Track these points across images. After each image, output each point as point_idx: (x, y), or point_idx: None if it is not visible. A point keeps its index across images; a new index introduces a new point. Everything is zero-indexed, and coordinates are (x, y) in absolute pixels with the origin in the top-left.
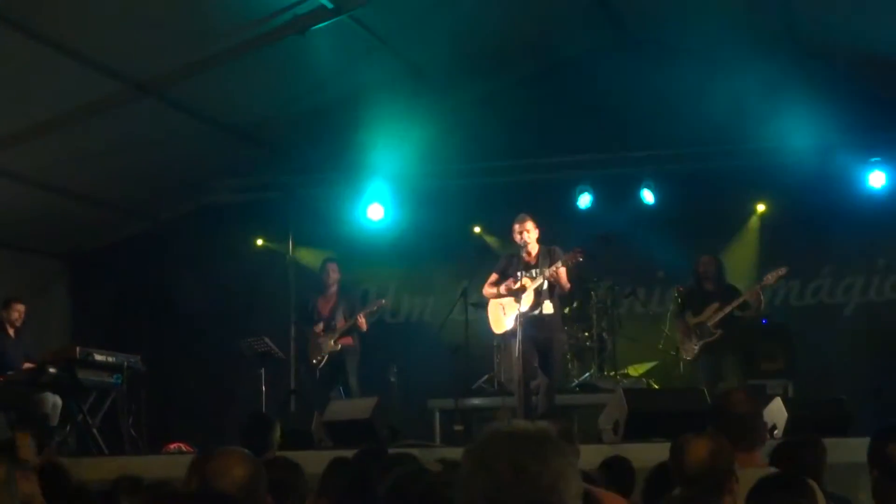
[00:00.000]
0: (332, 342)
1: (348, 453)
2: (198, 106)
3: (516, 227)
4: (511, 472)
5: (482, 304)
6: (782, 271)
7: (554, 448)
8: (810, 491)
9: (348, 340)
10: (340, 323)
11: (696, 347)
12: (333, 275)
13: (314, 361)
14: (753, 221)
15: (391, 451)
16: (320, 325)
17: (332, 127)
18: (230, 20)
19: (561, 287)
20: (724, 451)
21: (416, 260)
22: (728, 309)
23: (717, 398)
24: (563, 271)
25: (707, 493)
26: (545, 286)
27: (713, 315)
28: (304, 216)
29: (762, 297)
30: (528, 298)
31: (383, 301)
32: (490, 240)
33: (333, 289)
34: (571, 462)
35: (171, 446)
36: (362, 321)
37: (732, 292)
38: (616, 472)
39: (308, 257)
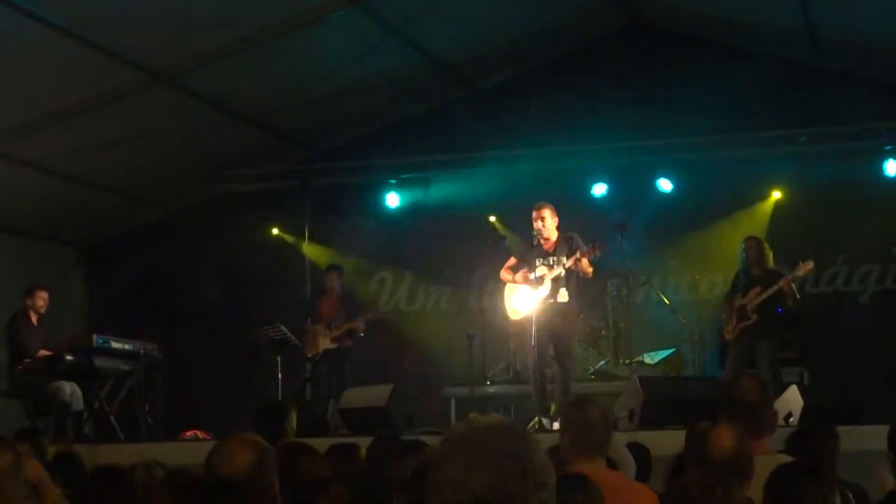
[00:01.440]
0: (328, 340)
1: (363, 441)
2: (213, 94)
3: (534, 213)
4: (461, 472)
5: (498, 293)
6: (810, 265)
7: (523, 442)
8: (830, 479)
9: (346, 341)
10: (342, 325)
11: (736, 330)
12: (331, 282)
13: (309, 356)
14: (766, 208)
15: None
16: (321, 325)
17: (347, 116)
18: (245, 8)
19: (584, 273)
20: (746, 438)
21: (432, 248)
22: (766, 294)
23: (726, 386)
24: (584, 261)
25: (731, 480)
26: (563, 275)
27: (754, 299)
28: (320, 205)
29: (794, 288)
30: (545, 288)
31: (372, 316)
32: (503, 230)
33: (335, 292)
34: (542, 459)
35: (188, 433)
36: (359, 325)
37: (775, 276)
38: (634, 460)
39: (314, 252)
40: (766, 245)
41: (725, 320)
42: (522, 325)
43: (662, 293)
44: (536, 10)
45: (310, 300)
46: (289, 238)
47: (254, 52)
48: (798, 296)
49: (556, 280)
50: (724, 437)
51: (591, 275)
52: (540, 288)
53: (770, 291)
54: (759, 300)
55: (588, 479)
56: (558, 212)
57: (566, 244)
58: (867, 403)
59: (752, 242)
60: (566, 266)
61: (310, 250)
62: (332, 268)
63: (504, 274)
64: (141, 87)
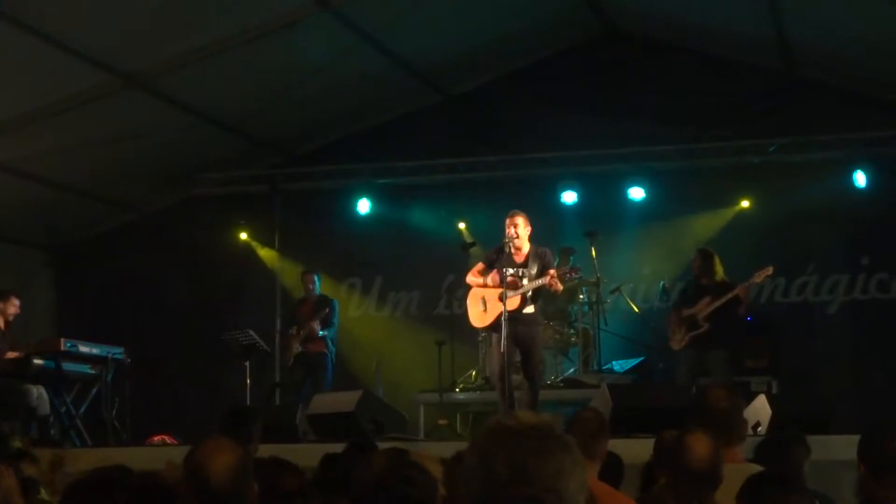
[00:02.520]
0: (297, 346)
1: (333, 447)
2: (185, 98)
3: (507, 220)
4: (508, 470)
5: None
6: (769, 270)
7: (554, 444)
8: (803, 487)
9: (318, 346)
10: (313, 329)
11: (684, 339)
12: (309, 285)
13: (285, 360)
14: (735, 217)
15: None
16: (295, 329)
17: (319, 121)
18: (218, 12)
19: (556, 291)
20: (718, 446)
21: (402, 254)
22: (718, 303)
23: (697, 394)
24: (558, 282)
25: (706, 488)
26: (530, 293)
27: (704, 308)
28: (291, 209)
29: (749, 295)
30: (513, 301)
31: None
32: (470, 237)
33: (312, 296)
34: (574, 459)
35: (156, 438)
36: (316, 326)
37: (725, 287)
38: (605, 467)
39: (271, 258)
40: (717, 257)
41: (672, 331)
42: (490, 333)
43: (632, 301)
44: (508, 17)
45: (292, 305)
46: (255, 245)
47: (226, 57)
48: (750, 303)
49: (525, 295)
50: (700, 446)
51: (560, 291)
52: (509, 302)
53: (723, 299)
54: (710, 309)
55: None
56: (532, 222)
57: (538, 260)
58: (835, 413)
59: (701, 254)
60: (542, 284)
61: (267, 255)
62: (306, 273)
63: (471, 277)
64: (113, 90)
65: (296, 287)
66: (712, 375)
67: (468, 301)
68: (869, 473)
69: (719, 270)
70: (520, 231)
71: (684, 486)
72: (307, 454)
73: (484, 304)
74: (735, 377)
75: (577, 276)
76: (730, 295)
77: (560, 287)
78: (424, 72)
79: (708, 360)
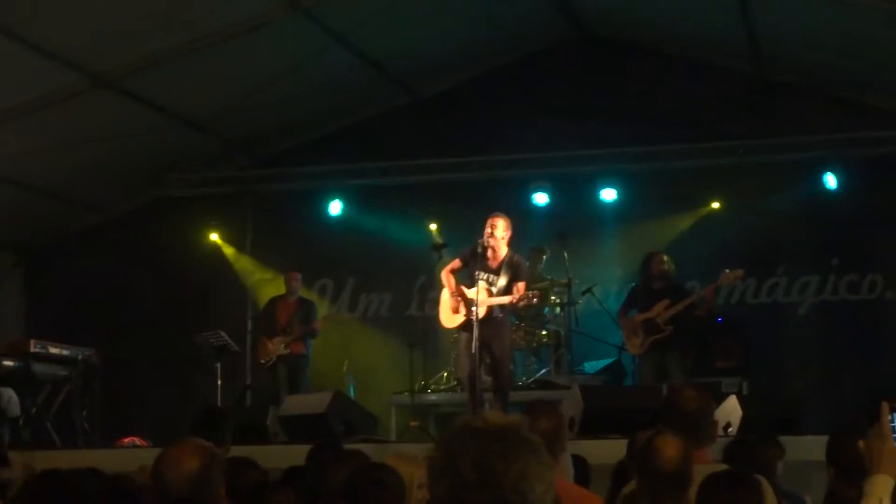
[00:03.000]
0: (282, 346)
1: (305, 448)
2: (155, 98)
3: (488, 221)
4: (474, 472)
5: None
6: (740, 272)
7: (520, 446)
8: (759, 487)
9: (300, 347)
10: (295, 329)
11: (645, 343)
12: (295, 283)
13: (262, 361)
14: (706, 219)
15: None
16: (273, 332)
17: (290, 122)
18: (189, 13)
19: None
20: (690, 447)
21: (374, 256)
22: (680, 306)
23: (668, 395)
24: (522, 299)
25: (677, 489)
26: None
27: (663, 312)
28: (262, 211)
29: (716, 296)
30: (482, 309)
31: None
32: (439, 238)
33: (295, 296)
34: (540, 459)
35: (126, 440)
36: (316, 326)
37: (683, 290)
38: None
39: (240, 262)
40: (670, 259)
41: (628, 335)
42: (460, 333)
43: (604, 302)
44: (480, 19)
45: (268, 304)
46: (225, 247)
47: (197, 57)
48: (715, 304)
49: (492, 305)
50: (670, 447)
51: (519, 307)
52: (477, 310)
53: (686, 302)
54: (671, 312)
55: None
56: (509, 226)
57: (511, 270)
58: (805, 413)
59: (660, 258)
60: (500, 302)
61: (233, 257)
62: (293, 270)
63: (445, 276)
64: (82, 89)
65: (264, 288)
66: (671, 377)
67: (440, 300)
68: (837, 475)
69: (672, 273)
70: (496, 233)
71: (655, 488)
72: (278, 455)
73: (454, 306)
74: (706, 378)
75: (535, 300)
76: (694, 297)
77: (524, 302)
78: (396, 73)
79: (667, 363)
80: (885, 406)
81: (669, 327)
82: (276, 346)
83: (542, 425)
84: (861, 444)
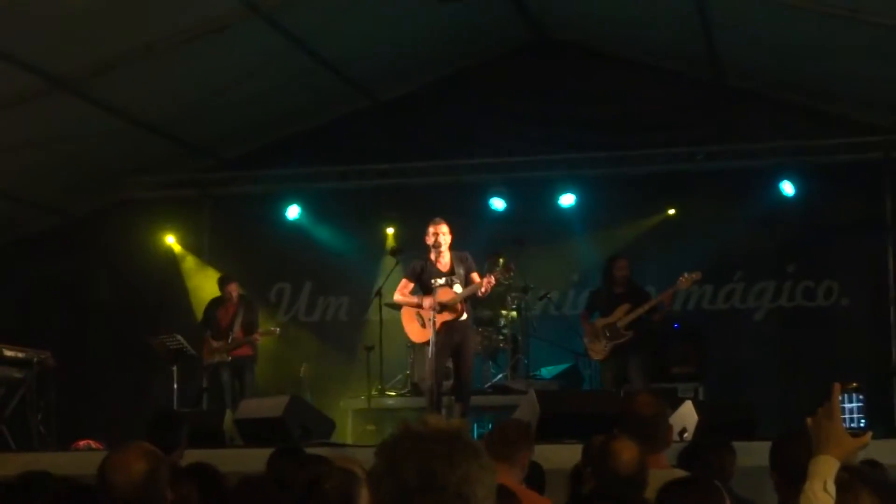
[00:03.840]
0: (225, 354)
1: (261, 452)
2: (114, 101)
3: (431, 229)
4: (417, 477)
5: (396, 306)
6: (697, 276)
7: (462, 450)
8: (718, 493)
9: (246, 350)
10: (238, 334)
11: (606, 348)
12: (233, 294)
13: (206, 364)
14: (664, 224)
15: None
16: (216, 335)
17: (249, 125)
18: (148, 16)
19: (481, 295)
20: (644, 451)
21: (332, 260)
22: (640, 311)
23: (623, 401)
24: (486, 286)
25: (633, 492)
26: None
27: (624, 317)
28: (221, 214)
29: (673, 300)
30: (455, 310)
31: (277, 330)
32: (397, 242)
33: (233, 301)
34: (482, 464)
35: (81, 443)
36: (257, 338)
37: (643, 294)
38: (526, 476)
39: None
40: (626, 265)
41: (590, 340)
42: (421, 342)
43: (561, 307)
44: (440, 23)
45: (207, 308)
46: (174, 247)
47: (156, 60)
48: (668, 310)
49: (461, 301)
50: (626, 451)
51: (485, 295)
52: (446, 312)
53: (646, 306)
54: (630, 318)
55: (504, 486)
56: (452, 230)
57: (462, 264)
58: (761, 419)
59: (625, 262)
60: (477, 289)
61: (187, 264)
62: (228, 280)
63: (399, 296)
64: (41, 92)
65: (203, 291)
66: (632, 381)
67: (403, 318)
68: (782, 482)
69: (634, 278)
70: (444, 238)
71: (611, 491)
72: (234, 459)
73: (421, 318)
74: (662, 383)
75: (512, 273)
76: (653, 302)
77: (489, 289)
78: (355, 77)
79: (629, 367)
80: (836, 387)
81: (630, 332)
82: (221, 350)
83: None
84: (809, 422)
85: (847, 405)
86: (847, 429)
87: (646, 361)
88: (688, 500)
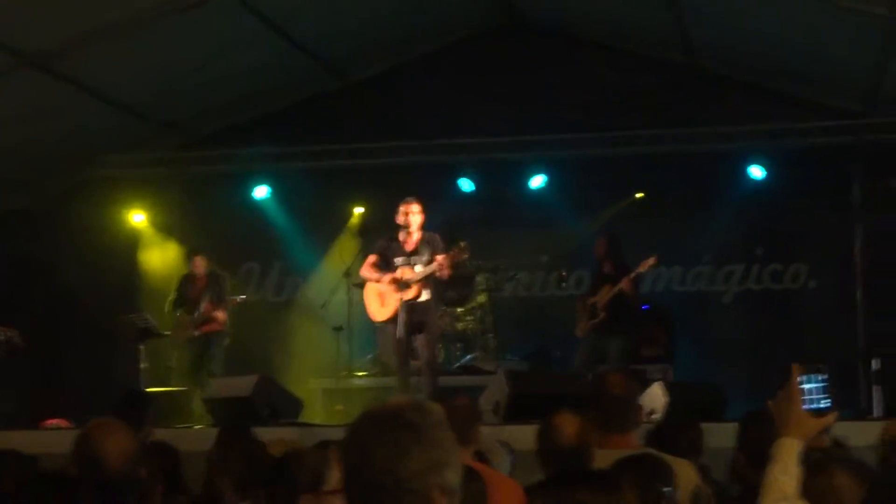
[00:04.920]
0: (193, 330)
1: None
2: (85, 79)
3: (402, 208)
4: (356, 454)
5: (363, 286)
6: (651, 261)
7: (394, 425)
8: (667, 470)
9: (215, 326)
10: (205, 309)
11: (586, 326)
12: (199, 268)
13: (177, 341)
14: (633, 207)
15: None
16: (187, 311)
17: (221, 104)
18: None
19: (441, 276)
20: (588, 428)
21: (300, 240)
22: (612, 293)
23: (594, 380)
24: (446, 269)
25: (577, 466)
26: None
27: (604, 296)
28: (190, 193)
29: (633, 287)
30: (411, 290)
31: (242, 298)
32: (366, 222)
33: (200, 275)
34: (417, 438)
35: (50, 422)
36: (220, 314)
37: (625, 274)
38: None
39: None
40: (615, 242)
41: (578, 317)
42: (387, 325)
43: (530, 288)
44: (411, 4)
45: (178, 285)
46: (141, 225)
47: (126, 38)
48: (634, 294)
49: (421, 282)
50: (568, 425)
51: (446, 277)
52: (407, 292)
53: (615, 289)
54: (608, 297)
55: (471, 468)
56: (424, 210)
57: (428, 246)
58: (729, 401)
59: (601, 240)
60: (433, 271)
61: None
62: (194, 253)
63: (366, 271)
64: (9, 69)
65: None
66: (609, 363)
67: (365, 296)
68: (748, 462)
69: (620, 256)
70: (414, 218)
71: (555, 466)
72: (202, 438)
73: (381, 298)
74: (631, 365)
75: (466, 256)
76: (617, 287)
77: (447, 273)
78: (325, 57)
79: (606, 348)
80: (795, 368)
81: (603, 313)
82: (189, 331)
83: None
84: (770, 403)
85: (808, 385)
86: (809, 410)
87: (625, 344)
88: (633, 474)
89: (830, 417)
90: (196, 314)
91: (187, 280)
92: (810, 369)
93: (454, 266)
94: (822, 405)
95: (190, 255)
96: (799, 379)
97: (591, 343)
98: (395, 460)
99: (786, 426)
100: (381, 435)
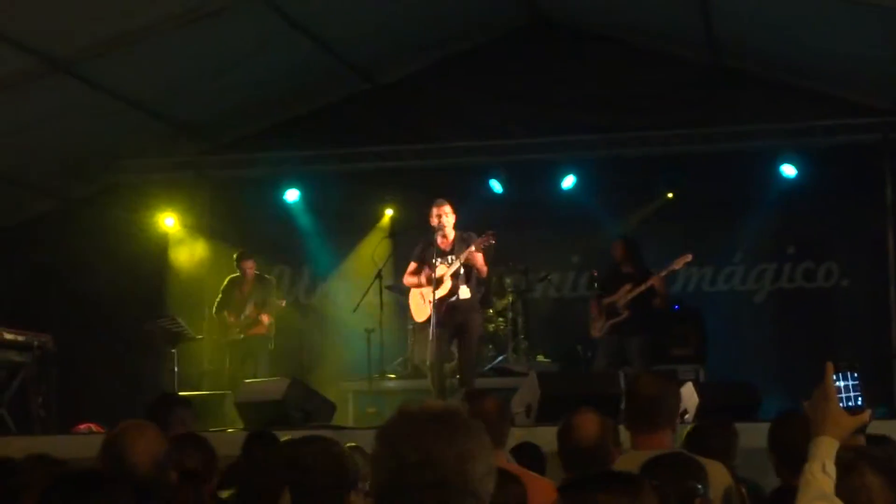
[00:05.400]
0: (238, 331)
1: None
2: (111, 83)
3: (434, 210)
4: (415, 455)
5: (396, 288)
6: (688, 258)
7: (459, 429)
8: (700, 471)
9: (260, 329)
10: (251, 312)
11: (604, 326)
12: (249, 271)
13: (220, 345)
14: (663, 206)
15: (303, 432)
16: (233, 313)
17: (247, 108)
18: None
19: (478, 271)
20: (609, 427)
21: (332, 242)
22: (637, 291)
23: (627, 382)
24: (478, 255)
25: (596, 465)
26: (462, 271)
27: (625, 296)
28: (219, 197)
29: (665, 284)
30: (445, 285)
31: (283, 303)
32: (397, 225)
33: (249, 278)
34: (480, 443)
35: (82, 427)
36: (266, 318)
37: (647, 275)
38: (526, 457)
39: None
40: (634, 244)
41: (593, 318)
42: (423, 322)
43: (560, 289)
44: (438, 6)
45: (225, 287)
46: (172, 230)
47: (154, 42)
48: (665, 292)
49: (455, 276)
50: (588, 424)
51: (483, 273)
52: (441, 287)
53: (642, 287)
54: (631, 296)
55: (507, 471)
56: (456, 210)
57: (464, 243)
58: (762, 401)
59: (618, 242)
60: (461, 260)
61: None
62: (244, 258)
63: (408, 279)
64: (38, 74)
65: (220, 272)
66: (632, 363)
67: (409, 299)
68: (781, 463)
69: (640, 258)
70: (447, 219)
71: (575, 464)
72: (235, 442)
73: (423, 298)
74: (662, 365)
75: (492, 241)
76: (648, 283)
77: (482, 265)
78: (354, 60)
79: (628, 348)
80: (829, 366)
81: (627, 311)
82: (234, 333)
83: (485, 408)
84: (805, 404)
85: (842, 383)
86: (844, 408)
87: (645, 344)
88: (665, 474)
89: (865, 415)
90: (242, 317)
91: (234, 283)
92: (843, 367)
93: (486, 253)
94: (857, 403)
95: (240, 258)
96: (833, 377)
97: (612, 342)
98: (465, 462)
99: (822, 425)
100: (449, 436)
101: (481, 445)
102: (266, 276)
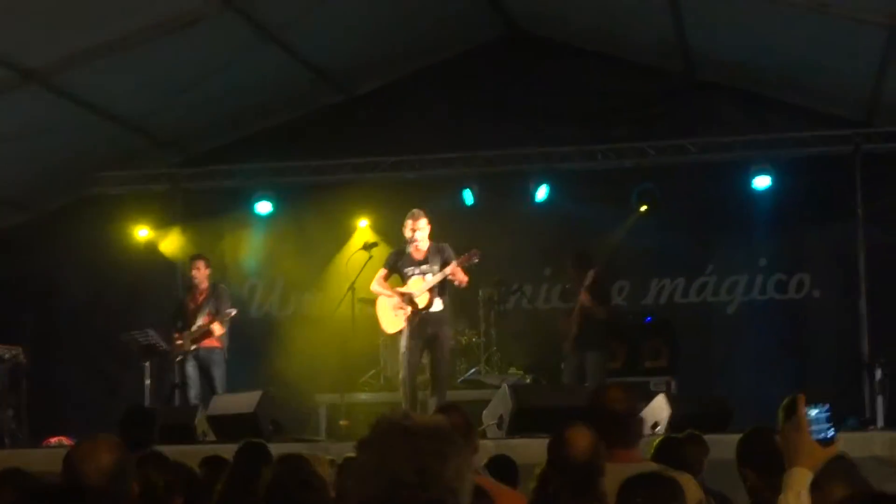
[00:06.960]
0: (188, 343)
1: (232, 447)
2: (85, 95)
3: (409, 222)
4: (413, 474)
5: (369, 301)
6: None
7: (453, 445)
8: (678, 488)
9: (213, 342)
10: (203, 322)
11: (569, 342)
12: (198, 273)
13: (177, 360)
14: (637, 218)
15: (276, 446)
16: (179, 325)
17: (221, 119)
18: (120, 9)
19: (460, 283)
20: (598, 439)
21: (305, 254)
22: (577, 308)
23: (593, 396)
24: (459, 270)
25: (589, 481)
26: (436, 284)
27: (575, 312)
28: (192, 209)
29: (595, 298)
30: (422, 299)
31: (233, 312)
32: (371, 237)
33: (202, 287)
34: (467, 459)
35: (52, 440)
36: (216, 327)
37: (598, 289)
38: (500, 470)
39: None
40: (578, 258)
41: (563, 333)
42: (395, 335)
43: (534, 301)
44: (413, 17)
45: (179, 298)
46: (156, 237)
47: (127, 54)
48: (592, 305)
49: (430, 290)
50: (581, 439)
51: (465, 284)
52: (418, 300)
53: (578, 306)
54: (576, 313)
55: (477, 485)
56: (431, 221)
57: (439, 255)
58: (734, 413)
59: (571, 259)
60: (446, 274)
61: (168, 248)
62: (196, 258)
63: (376, 286)
64: (11, 86)
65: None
66: (589, 378)
67: (378, 310)
68: (756, 476)
69: (590, 274)
70: (421, 233)
71: (567, 479)
72: (206, 455)
73: (393, 311)
74: (634, 377)
75: (476, 259)
76: (579, 303)
77: (464, 278)
78: (328, 72)
79: (585, 364)
80: (800, 398)
81: (575, 328)
82: (185, 342)
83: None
84: (777, 437)
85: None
86: (816, 440)
87: (599, 358)
88: (646, 494)
89: (835, 447)
90: (194, 327)
91: (186, 290)
92: (814, 399)
93: (465, 268)
94: (828, 434)
95: (191, 259)
96: (805, 409)
97: (574, 358)
98: (458, 480)
99: (796, 456)
100: (444, 454)
101: (467, 462)
102: (220, 284)
